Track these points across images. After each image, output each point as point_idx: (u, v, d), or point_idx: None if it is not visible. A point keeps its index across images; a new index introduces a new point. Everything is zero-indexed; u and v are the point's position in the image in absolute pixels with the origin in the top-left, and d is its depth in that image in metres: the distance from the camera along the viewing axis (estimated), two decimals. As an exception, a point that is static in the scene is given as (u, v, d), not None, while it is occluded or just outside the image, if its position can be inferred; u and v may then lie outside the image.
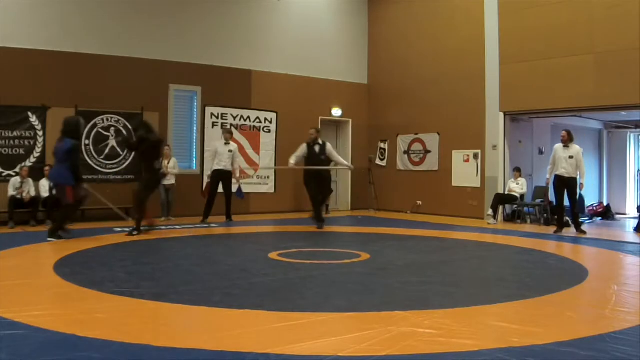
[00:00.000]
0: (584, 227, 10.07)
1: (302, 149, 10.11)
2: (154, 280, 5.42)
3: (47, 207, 10.10)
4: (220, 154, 11.01)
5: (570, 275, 5.87)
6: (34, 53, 10.40)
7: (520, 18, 11.57)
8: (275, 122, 13.39)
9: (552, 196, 10.34)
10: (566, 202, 9.72)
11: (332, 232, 10.26)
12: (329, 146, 10.20)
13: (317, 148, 10.03)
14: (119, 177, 11.18)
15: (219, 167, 11.00)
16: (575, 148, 9.65)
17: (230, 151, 11.09)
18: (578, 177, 9.65)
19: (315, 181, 9.98)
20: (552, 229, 10.03)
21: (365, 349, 3.30)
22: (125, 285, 5.08)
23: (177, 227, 10.13)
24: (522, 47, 11.50)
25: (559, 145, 9.81)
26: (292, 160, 10.14)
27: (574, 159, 9.56)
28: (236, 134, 12.85)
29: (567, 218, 10.22)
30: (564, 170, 9.59)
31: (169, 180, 11.12)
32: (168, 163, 11.10)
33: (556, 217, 10.14)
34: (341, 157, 14.01)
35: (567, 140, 9.69)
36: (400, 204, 13.92)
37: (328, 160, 10.18)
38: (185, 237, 8.98)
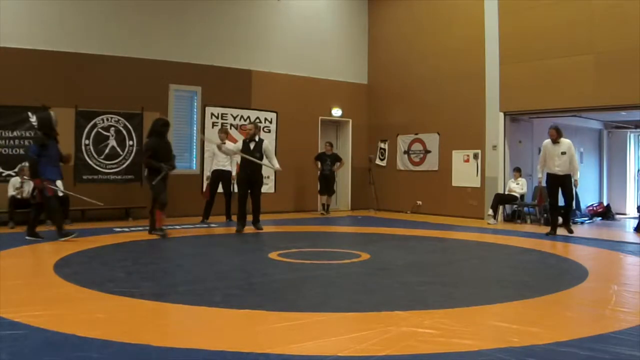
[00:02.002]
0: (573, 227, 9.85)
1: (238, 144, 9.85)
2: (154, 280, 5.42)
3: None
4: (217, 154, 11.00)
5: (570, 275, 5.87)
6: (34, 53, 10.40)
7: (520, 18, 11.57)
8: (275, 122, 13.39)
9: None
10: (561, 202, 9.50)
11: (332, 232, 10.27)
12: (265, 143, 9.74)
13: (252, 145, 9.56)
14: (119, 177, 11.18)
15: (218, 167, 11.01)
16: (565, 143, 9.27)
17: None
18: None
19: (248, 185, 9.55)
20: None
21: (365, 349, 3.30)
22: (125, 285, 5.08)
23: (177, 227, 10.13)
24: (522, 47, 11.50)
25: (547, 142, 9.41)
26: (230, 146, 10.05)
27: (566, 155, 9.18)
28: (236, 134, 12.86)
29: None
30: (558, 168, 9.24)
31: None
32: None
33: (551, 217, 9.75)
34: (341, 156, 14.10)
35: (557, 138, 9.29)
36: (400, 204, 13.92)
37: (261, 158, 9.63)
38: (185, 237, 8.98)
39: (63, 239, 7.89)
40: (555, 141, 9.33)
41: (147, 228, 8.98)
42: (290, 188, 13.63)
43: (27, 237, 8.03)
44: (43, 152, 7.88)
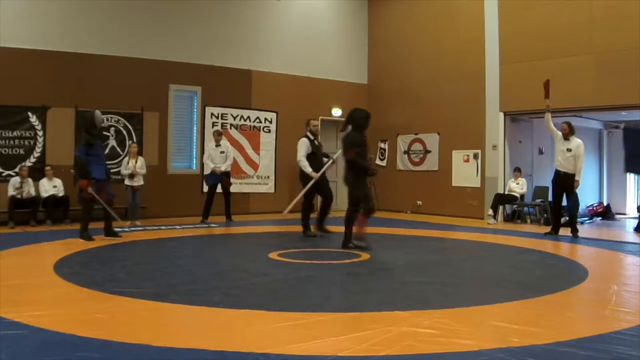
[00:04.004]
0: (579, 227, 9.70)
1: (306, 145, 8.67)
2: (154, 280, 5.42)
3: (47, 207, 10.10)
4: (213, 156, 11.02)
5: (570, 275, 5.88)
6: (34, 53, 10.40)
7: (520, 18, 11.58)
8: (275, 122, 13.39)
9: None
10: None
11: (332, 232, 10.25)
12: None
13: (316, 142, 8.84)
14: (119, 177, 11.14)
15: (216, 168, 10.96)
16: (575, 142, 9.10)
17: (222, 152, 11.05)
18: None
19: (320, 186, 8.63)
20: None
21: (365, 349, 3.30)
22: (125, 285, 5.08)
23: (177, 227, 10.13)
24: (522, 47, 11.50)
25: (561, 135, 9.25)
26: (309, 168, 8.52)
27: (571, 153, 9.03)
28: (236, 134, 12.87)
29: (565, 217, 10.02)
30: (560, 164, 9.16)
31: (138, 182, 10.44)
32: (136, 163, 10.51)
33: (552, 217, 9.71)
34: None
35: (568, 134, 9.14)
36: (400, 204, 13.92)
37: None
38: (185, 237, 8.97)
39: (83, 240, 7.85)
40: (565, 137, 9.17)
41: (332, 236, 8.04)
42: (290, 188, 13.60)
43: (105, 237, 8.08)
44: (90, 151, 7.92)
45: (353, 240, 7.35)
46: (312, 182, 8.50)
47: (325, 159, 8.91)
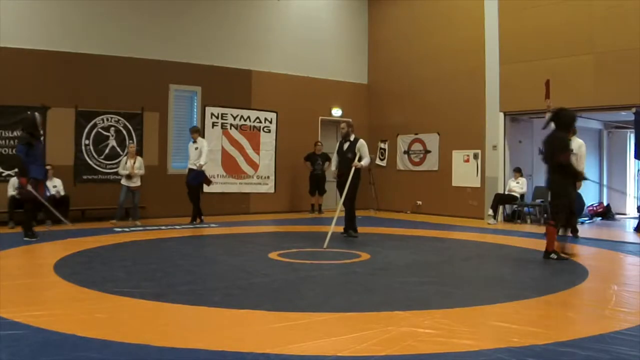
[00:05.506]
0: (579, 227, 9.70)
1: (336, 148, 9.22)
2: (154, 280, 5.42)
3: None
4: (189, 153, 10.81)
5: (570, 275, 5.87)
6: (34, 53, 10.40)
7: (520, 18, 11.58)
8: (275, 122, 13.39)
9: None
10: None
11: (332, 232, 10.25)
12: (360, 142, 8.90)
13: (346, 145, 8.91)
14: (119, 177, 11.14)
15: (191, 167, 10.72)
16: (577, 142, 8.96)
17: (196, 148, 10.73)
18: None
19: (341, 188, 8.72)
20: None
21: (365, 349, 3.30)
22: (125, 285, 5.08)
23: (177, 227, 10.13)
24: (522, 47, 11.50)
25: None
26: (333, 166, 9.19)
27: (573, 154, 8.85)
28: (236, 134, 12.87)
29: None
30: None
31: (135, 182, 10.41)
32: (134, 163, 10.45)
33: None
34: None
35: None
36: (400, 204, 13.92)
37: (354, 158, 8.74)
38: (185, 237, 8.98)
39: (27, 239, 7.97)
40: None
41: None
42: (291, 188, 13.63)
43: (24, 239, 8.05)
44: (29, 152, 8.04)
45: (557, 252, 6.74)
46: (356, 177, 8.67)
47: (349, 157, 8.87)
